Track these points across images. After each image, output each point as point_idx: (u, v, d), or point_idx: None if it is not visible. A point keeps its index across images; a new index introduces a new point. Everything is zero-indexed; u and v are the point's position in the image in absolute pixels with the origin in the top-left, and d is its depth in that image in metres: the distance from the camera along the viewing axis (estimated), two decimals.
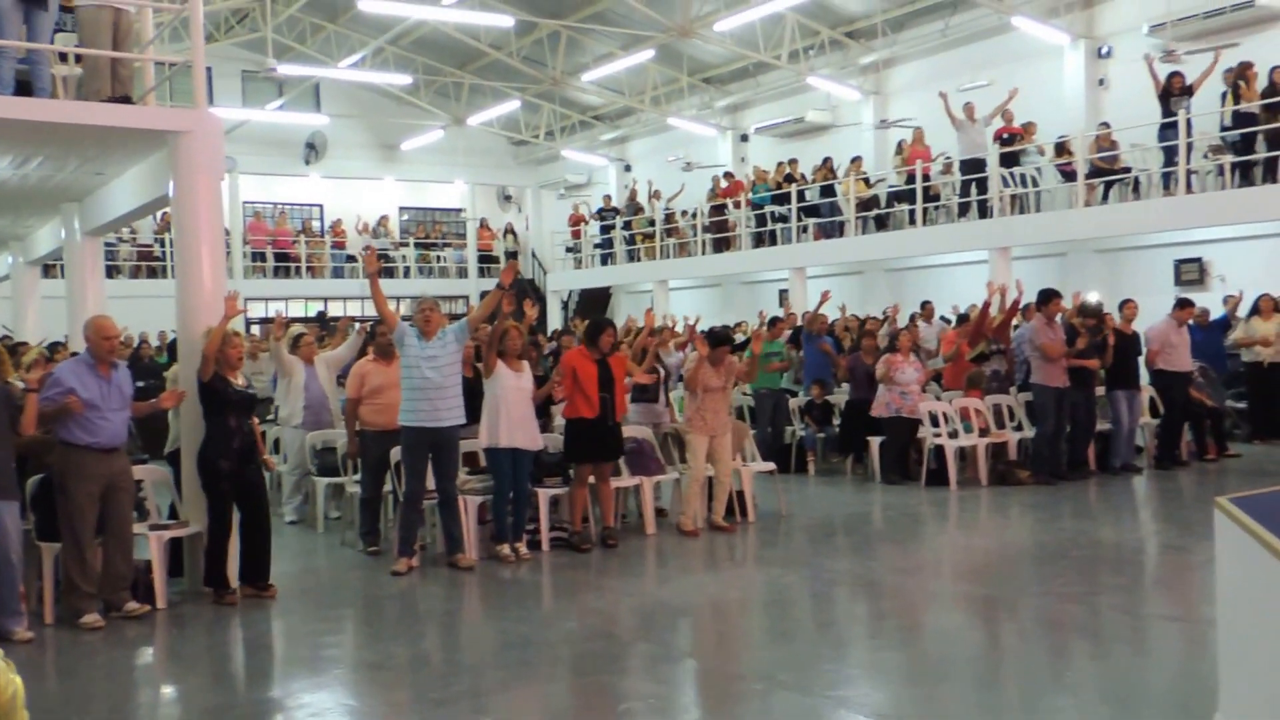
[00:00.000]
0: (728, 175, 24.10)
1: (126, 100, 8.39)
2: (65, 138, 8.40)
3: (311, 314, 26.60)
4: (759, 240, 22.49)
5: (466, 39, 24.74)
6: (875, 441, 12.55)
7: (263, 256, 28.30)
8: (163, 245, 26.16)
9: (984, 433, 12.16)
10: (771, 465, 11.25)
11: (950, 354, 13.45)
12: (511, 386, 8.78)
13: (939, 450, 11.94)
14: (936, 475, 11.97)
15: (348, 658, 6.70)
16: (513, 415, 8.75)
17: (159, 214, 23.55)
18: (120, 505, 7.36)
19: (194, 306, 8.06)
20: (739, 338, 13.71)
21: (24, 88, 8.35)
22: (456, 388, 8.58)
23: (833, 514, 11.00)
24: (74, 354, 9.65)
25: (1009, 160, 17.72)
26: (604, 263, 27.22)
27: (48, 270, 16.95)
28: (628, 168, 29.55)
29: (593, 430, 9.19)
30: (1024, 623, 7.09)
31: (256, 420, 8.37)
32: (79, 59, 8.90)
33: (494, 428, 8.75)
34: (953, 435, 11.98)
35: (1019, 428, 12.62)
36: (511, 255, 31.03)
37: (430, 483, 8.73)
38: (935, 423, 12.06)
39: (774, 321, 13.97)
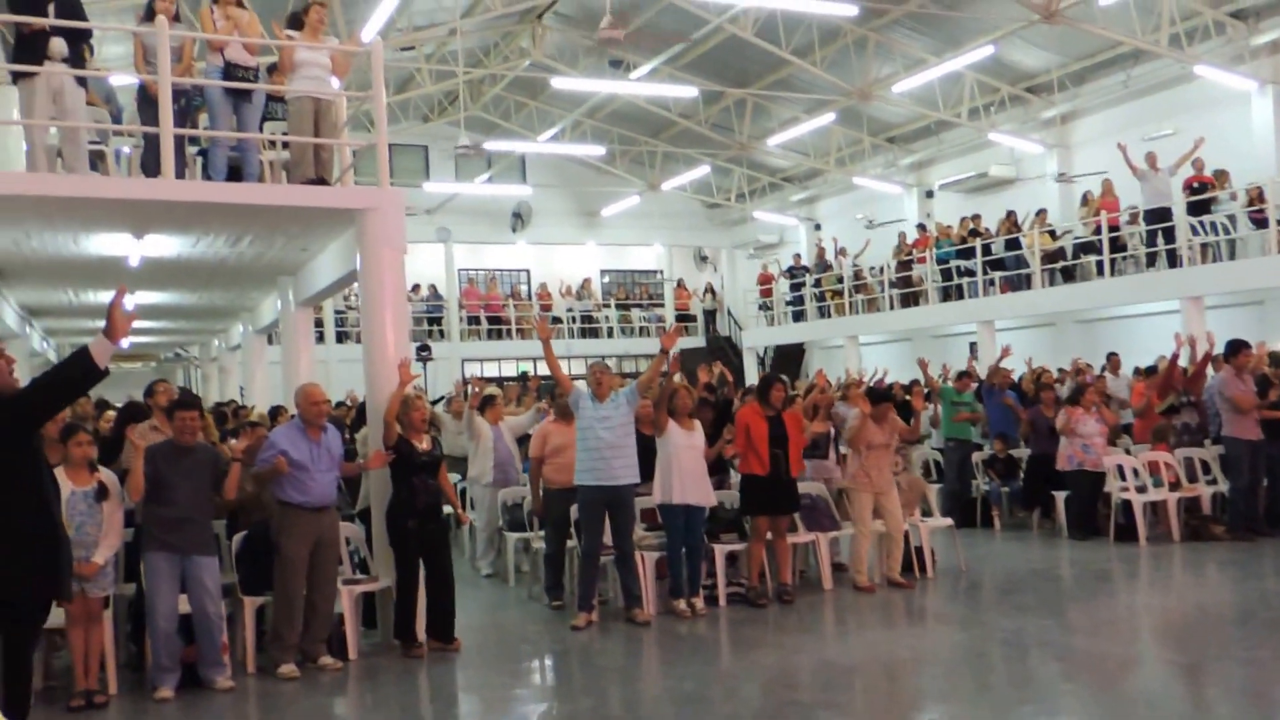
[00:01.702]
0: (919, 228, 23.49)
1: (323, 182, 8.63)
2: (269, 218, 8.71)
3: (518, 374, 27.06)
4: (946, 294, 21.76)
5: (657, 110, 24.98)
6: (1060, 496, 11.79)
7: (476, 320, 29.02)
8: None
9: (1174, 487, 11.26)
10: (949, 520, 10.65)
11: (1140, 407, 12.57)
12: (682, 445, 8.61)
13: (1127, 505, 11.11)
14: (1125, 531, 11.14)
15: (527, 712, 6.58)
16: (684, 472, 8.56)
17: None
18: (326, 561, 7.47)
19: (379, 372, 8.16)
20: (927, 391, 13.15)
21: (235, 172, 8.71)
22: (631, 447, 8.44)
23: (1016, 570, 10.34)
24: (292, 417, 9.97)
25: (1199, 209, 16.62)
26: (796, 319, 26.83)
27: (272, 338, 17.71)
28: (817, 226, 29.15)
29: (767, 486, 8.89)
30: (1223, 691, 6.38)
31: (447, 477, 8.40)
32: (285, 144, 9.24)
33: (666, 485, 8.57)
34: (1141, 490, 11.13)
35: (1213, 481, 11.63)
36: (709, 314, 31.01)
37: (608, 538, 8.57)
38: (1122, 476, 11.23)
39: (962, 375, 13.39)
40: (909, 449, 10.84)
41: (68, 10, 8.10)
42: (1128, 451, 11.91)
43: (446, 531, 8.18)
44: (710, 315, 31.17)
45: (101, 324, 4.15)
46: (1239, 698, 6.21)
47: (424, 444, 7.94)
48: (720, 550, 9.09)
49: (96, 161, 9.09)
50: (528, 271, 31.75)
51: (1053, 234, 19.67)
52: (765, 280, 28.13)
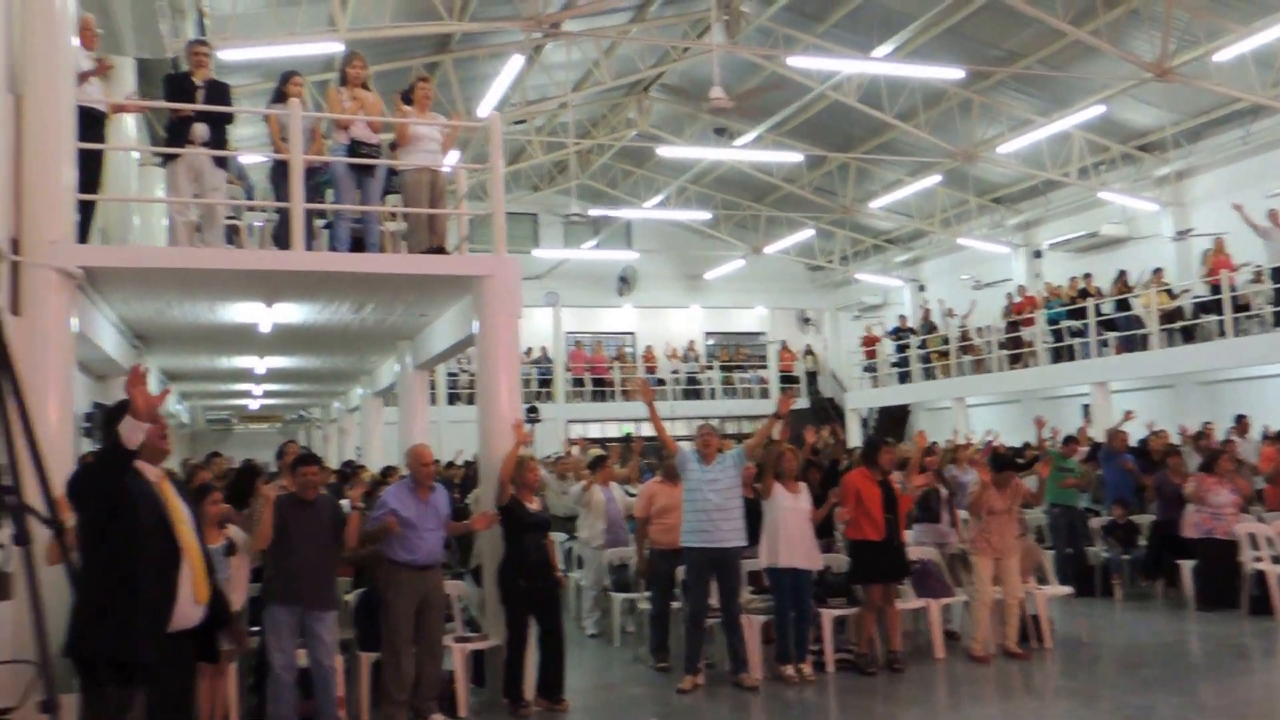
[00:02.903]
0: (1020, 290, 23.16)
1: (440, 251, 8.92)
2: (391, 286, 9.01)
3: (622, 435, 27.19)
4: (1057, 355, 21.33)
5: (760, 175, 25.20)
6: (1187, 565, 11.34)
7: (581, 382, 29.31)
8: None
9: None
10: (1069, 589, 10.34)
11: (1271, 472, 12.08)
12: (789, 507, 8.57)
13: (1260, 576, 10.63)
14: (1259, 603, 10.55)
15: None
16: (791, 535, 8.51)
17: None
18: (433, 619, 7.56)
19: (493, 433, 8.34)
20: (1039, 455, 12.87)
21: (357, 243, 9.06)
22: (738, 509, 8.45)
23: (1141, 642, 9.92)
24: (403, 477, 10.22)
25: None
26: (901, 381, 26.55)
27: (388, 400, 18.13)
28: (921, 288, 28.92)
29: (878, 551, 8.80)
30: None
31: (551, 537, 8.50)
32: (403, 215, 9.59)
33: (773, 548, 8.53)
34: (1277, 560, 10.66)
35: None
36: (811, 375, 30.85)
37: (714, 600, 8.56)
38: (1255, 545, 10.78)
39: (1069, 440, 13.08)
40: (1021, 513, 10.60)
41: (215, 95, 8.58)
42: (1259, 519, 11.42)
43: (557, 590, 8.25)
44: (812, 377, 31.00)
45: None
46: None
47: (535, 504, 8.07)
48: (828, 615, 8.98)
49: (231, 235, 9.54)
50: (633, 334, 32.03)
51: (1170, 293, 19.21)
52: (870, 342, 27.92)
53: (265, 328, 10.98)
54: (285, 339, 12.06)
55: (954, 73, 16.52)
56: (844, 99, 19.57)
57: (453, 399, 26.36)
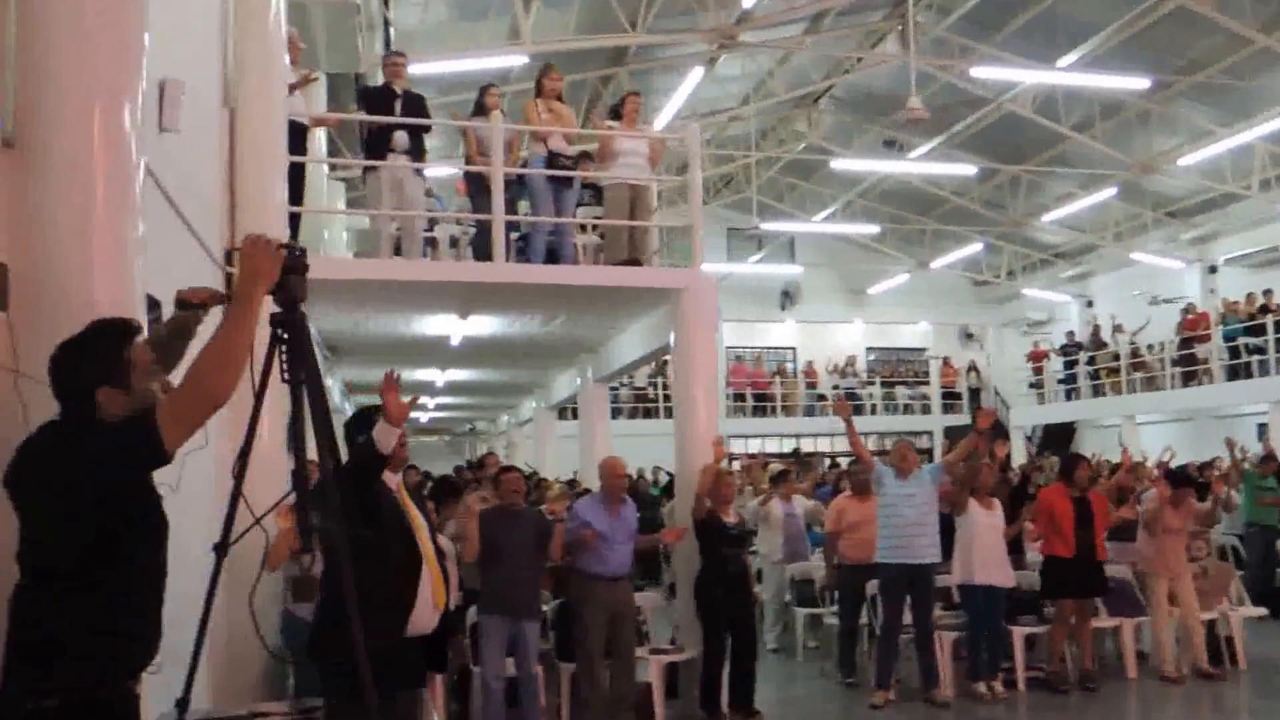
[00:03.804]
0: (1188, 309, 22.15)
1: (636, 263, 8.94)
2: (586, 297, 9.07)
3: (787, 450, 26.92)
4: (1233, 373, 20.27)
5: (929, 188, 24.69)
6: None
7: (742, 397, 29.14)
8: (655, 389, 27.58)
9: None
10: (1263, 610, 9.83)
11: None
12: (983, 523, 8.34)
13: None
14: None
15: None
16: (986, 551, 8.29)
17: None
18: (624, 630, 7.54)
19: (690, 446, 8.30)
20: (1214, 473, 12.27)
21: (551, 255, 9.15)
22: (933, 524, 8.25)
23: None
24: (585, 490, 10.29)
25: None
26: (1068, 398, 25.65)
27: (560, 413, 18.32)
28: (1089, 303, 27.91)
29: (1071, 568, 8.48)
30: None
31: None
32: (595, 228, 9.65)
33: (968, 564, 8.32)
34: None
35: None
36: (974, 392, 30.05)
37: (906, 617, 8.36)
38: None
39: (1268, 458, 12.44)
40: (1207, 533, 10.15)
41: (412, 107, 8.78)
42: None
43: (752, 602, 8.16)
44: (975, 393, 30.18)
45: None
46: None
47: (732, 517, 8.00)
48: (1019, 632, 8.71)
49: (427, 248, 9.75)
50: (794, 349, 31.70)
51: None
52: (1038, 358, 27.08)
53: (456, 340, 11.19)
54: (471, 352, 12.28)
55: (1139, 83, 15.85)
56: (1019, 110, 19.02)
57: (613, 413, 26.53)
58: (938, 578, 8.59)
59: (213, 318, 3.12)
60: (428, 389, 16.82)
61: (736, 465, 23.53)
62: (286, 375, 3.06)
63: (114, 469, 2.73)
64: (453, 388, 16.57)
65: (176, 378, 3.01)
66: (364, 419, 4.30)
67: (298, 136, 8.30)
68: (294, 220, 8.27)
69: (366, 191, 9.23)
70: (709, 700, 7.79)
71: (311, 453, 3.21)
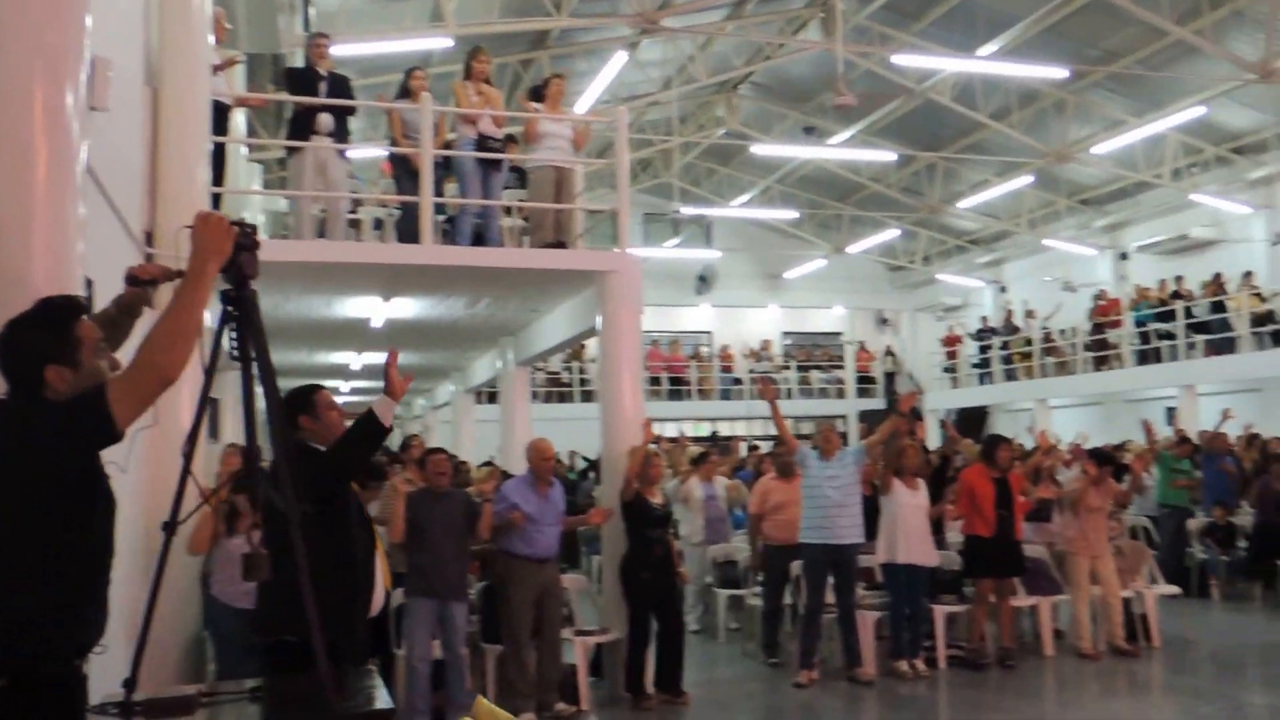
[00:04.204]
0: (1100, 295, 22.87)
1: (562, 245, 9.00)
2: (512, 280, 9.10)
3: (704, 434, 27.18)
4: (1143, 358, 21.01)
5: (847, 174, 25.06)
6: None
7: (658, 381, 29.31)
8: (570, 373, 27.66)
9: None
10: (1176, 588, 10.26)
11: None
12: (908, 504, 8.58)
13: None
14: None
15: None
16: (910, 532, 8.53)
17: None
18: (552, 611, 7.63)
19: (616, 428, 8.39)
20: (1127, 457, 12.74)
21: (477, 238, 9.16)
22: (856, 505, 8.45)
23: (1246, 642, 9.94)
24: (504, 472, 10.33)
25: None
26: (981, 382, 26.30)
27: (479, 397, 18.26)
28: (1003, 289, 28.61)
29: (991, 548, 8.75)
30: None
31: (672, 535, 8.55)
32: (520, 211, 9.68)
33: (891, 544, 8.54)
34: None
35: None
36: (889, 377, 30.62)
37: (829, 597, 8.56)
38: None
39: (1183, 441, 12.94)
40: (1121, 513, 10.55)
41: (337, 88, 8.72)
42: None
43: (677, 584, 8.29)
44: (890, 378, 30.77)
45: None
46: None
47: (658, 499, 8.12)
48: (940, 611, 8.97)
49: (351, 230, 9.69)
50: (710, 333, 31.97)
51: (1260, 296, 18.86)
52: (951, 342, 27.69)
53: (377, 323, 11.13)
54: (391, 334, 12.20)
55: (1057, 72, 16.30)
56: (938, 98, 19.41)
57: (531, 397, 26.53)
58: (860, 558, 8.80)
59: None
60: (344, 373, 16.68)
61: (653, 448, 23.73)
62: (236, 353, 3.08)
63: (65, 447, 2.74)
64: (370, 371, 16.43)
65: (124, 356, 3.02)
66: (301, 399, 4.32)
67: (219, 117, 8.21)
68: (215, 202, 8.19)
69: (290, 173, 9.14)
70: (634, 682, 7.91)
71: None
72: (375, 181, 11.75)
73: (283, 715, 2.82)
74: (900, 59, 16.30)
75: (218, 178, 8.29)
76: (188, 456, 3.13)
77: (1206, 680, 8.60)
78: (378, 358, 15.07)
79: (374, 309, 10.44)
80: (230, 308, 3.07)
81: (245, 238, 3.00)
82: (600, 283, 8.50)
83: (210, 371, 3.12)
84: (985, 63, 16.76)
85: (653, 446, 8.27)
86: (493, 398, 19.70)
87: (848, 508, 8.36)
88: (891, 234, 27.41)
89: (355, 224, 10.01)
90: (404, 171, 8.97)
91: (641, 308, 8.54)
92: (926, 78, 19.02)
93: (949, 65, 17.57)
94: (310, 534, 3.04)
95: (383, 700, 2.90)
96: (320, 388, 4.41)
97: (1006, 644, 8.93)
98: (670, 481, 11.60)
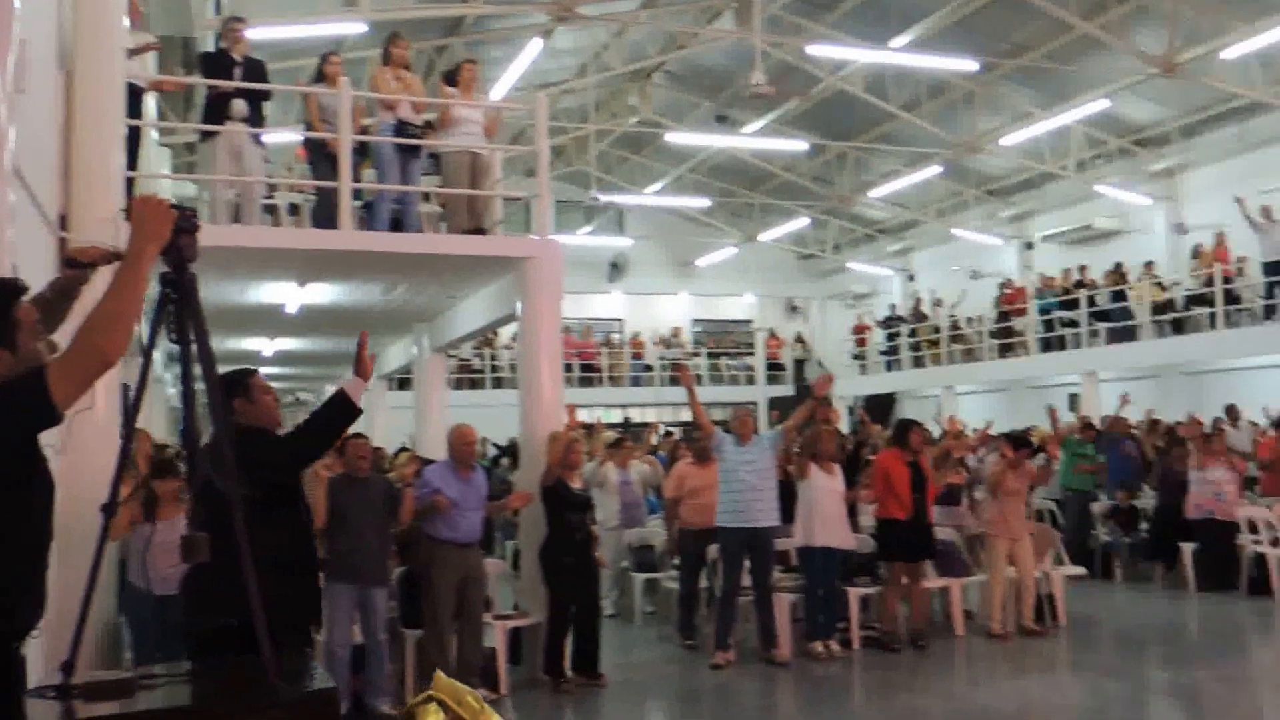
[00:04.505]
0: (1007, 283, 23.51)
1: (481, 232, 9.02)
2: (432, 266, 9.09)
3: (615, 420, 27.30)
4: (1047, 345, 21.68)
5: (759, 163, 25.35)
6: (1188, 548, 11.69)
7: (569, 367, 29.33)
8: (481, 359, 27.60)
9: None
10: (1082, 569, 10.65)
11: (1269, 459, 12.45)
12: (825, 488, 8.76)
13: (1260, 558, 10.98)
14: (1258, 584, 10.98)
15: None
16: (826, 515, 8.71)
17: None
18: (474, 596, 7.69)
19: (535, 414, 8.46)
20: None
21: (395, 224, 9.13)
22: (772, 489, 8.63)
23: (1148, 622, 10.36)
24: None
25: None
26: (889, 369, 26.86)
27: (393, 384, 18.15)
28: (911, 277, 29.23)
29: (905, 530, 9.00)
30: None
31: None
32: (437, 196, 9.66)
33: (808, 528, 8.72)
34: (1275, 543, 11.01)
35: None
36: (799, 364, 31.07)
37: (746, 580, 8.74)
38: (1254, 529, 11.13)
39: (1087, 426, 13.40)
40: (1029, 497, 10.92)
41: (252, 73, 8.63)
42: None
43: (597, 569, 8.40)
44: (800, 364, 31.24)
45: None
46: None
47: (578, 484, 8.21)
48: (854, 593, 9.20)
49: (266, 215, 9.59)
50: (622, 320, 32.13)
51: (1161, 285, 19.57)
52: (860, 330, 28.21)
53: (292, 308, 11.03)
54: (304, 320, 12.10)
55: (967, 65, 16.73)
56: (850, 88, 19.74)
57: (455, 384, 26.40)
58: (775, 541, 9.01)
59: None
60: (254, 359, 16.43)
61: (575, 434, 23.75)
62: (174, 336, 3.10)
63: (3, 429, 2.74)
64: (280, 358, 16.25)
65: (61, 338, 3.02)
66: (235, 382, 4.33)
67: (133, 100, 8.08)
68: (129, 186, 8.06)
69: (202, 158, 9.03)
70: (553, 664, 8.00)
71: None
72: (290, 167, 11.59)
73: (224, 698, 2.86)
74: (814, 49, 16.54)
75: (132, 161, 8.20)
76: (126, 439, 3.14)
77: (1111, 658, 8.96)
78: (290, 343, 14.93)
79: (289, 295, 10.34)
80: (169, 290, 3.09)
81: (185, 221, 3.02)
82: (521, 269, 8.54)
83: (149, 353, 3.14)
84: (897, 54, 17.09)
85: (575, 432, 8.35)
86: (404, 384, 19.64)
87: (764, 492, 8.54)
88: (802, 223, 27.82)
89: (271, 209, 9.89)
90: (321, 157, 8.90)
91: (562, 294, 8.61)
92: (839, 68, 19.33)
93: (862, 56, 17.87)
94: (266, 516, 3.09)
95: (324, 680, 2.95)
96: (255, 371, 4.43)
97: (919, 625, 9.20)
98: (588, 465, 11.69)
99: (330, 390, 22.08)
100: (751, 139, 22.00)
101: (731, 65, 20.67)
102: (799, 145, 22.08)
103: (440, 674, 2.74)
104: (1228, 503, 11.28)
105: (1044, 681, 8.34)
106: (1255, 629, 9.82)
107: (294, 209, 10.19)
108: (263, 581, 2.99)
